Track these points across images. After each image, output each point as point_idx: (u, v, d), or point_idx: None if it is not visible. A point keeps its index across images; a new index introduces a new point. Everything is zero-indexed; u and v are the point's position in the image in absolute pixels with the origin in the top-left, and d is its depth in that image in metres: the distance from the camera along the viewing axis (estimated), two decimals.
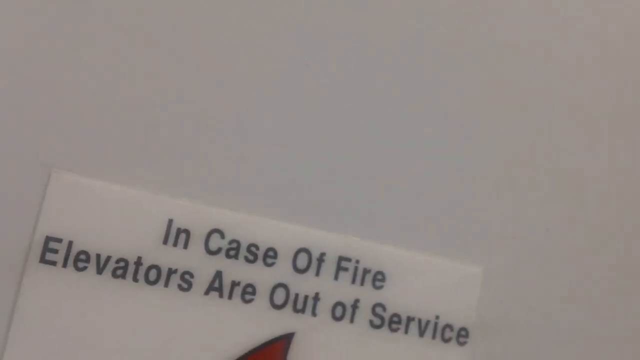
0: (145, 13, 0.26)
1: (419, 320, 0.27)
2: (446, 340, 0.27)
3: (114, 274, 0.25)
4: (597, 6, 0.30)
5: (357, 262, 0.26)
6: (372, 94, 0.27)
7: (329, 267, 0.26)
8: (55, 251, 0.25)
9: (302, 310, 0.26)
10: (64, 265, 0.25)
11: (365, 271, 0.26)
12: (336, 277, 0.26)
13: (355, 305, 0.26)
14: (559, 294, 0.27)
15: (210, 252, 0.25)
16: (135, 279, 0.25)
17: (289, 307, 0.26)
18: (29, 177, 0.25)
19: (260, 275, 0.26)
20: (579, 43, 0.29)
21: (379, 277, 0.26)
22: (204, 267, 0.25)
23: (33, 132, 0.25)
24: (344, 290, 0.26)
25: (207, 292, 0.25)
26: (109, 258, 0.25)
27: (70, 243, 0.25)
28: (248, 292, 0.25)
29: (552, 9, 0.29)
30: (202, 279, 0.25)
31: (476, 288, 0.27)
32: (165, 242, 0.25)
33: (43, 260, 0.24)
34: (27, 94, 0.25)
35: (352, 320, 0.26)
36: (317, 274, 0.26)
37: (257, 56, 0.27)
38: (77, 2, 0.26)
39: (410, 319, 0.27)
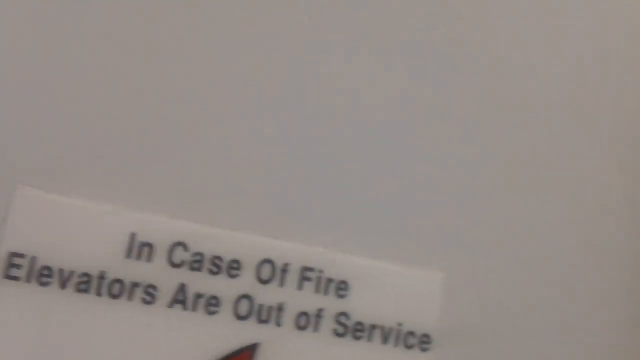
0: (118, 25, 0.26)
1: (382, 328, 0.27)
2: (409, 347, 0.27)
3: (78, 289, 0.25)
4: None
5: (321, 272, 0.27)
6: (339, 101, 0.28)
7: (293, 277, 0.26)
8: (19, 267, 0.25)
9: (267, 321, 0.26)
10: (28, 280, 0.25)
11: (329, 281, 0.27)
12: (300, 287, 0.26)
13: (319, 315, 0.26)
14: (521, 299, 0.28)
15: (174, 265, 0.26)
16: (99, 294, 0.25)
17: (253, 318, 0.26)
18: None
19: (225, 287, 0.26)
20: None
21: (343, 286, 0.27)
22: (167, 280, 0.25)
23: None
24: (308, 300, 0.26)
25: (171, 305, 0.25)
26: (72, 273, 0.25)
27: (34, 258, 0.25)
28: (212, 304, 0.26)
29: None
30: (166, 292, 0.25)
31: (438, 294, 0.27)
32: (128, 256, 0.25)
33: (7, 276, 0.24)
34: None
35: (316, 330, 0.26)
36: (281, 284, 0.26)
37: (224, 63, 0.27)
38: (52, 17, 0.26)
39: (373, 327, 0.27)
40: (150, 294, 0.25)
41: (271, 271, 0.26)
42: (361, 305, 0.27)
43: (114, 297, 0.25)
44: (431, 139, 0.28)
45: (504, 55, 0.29)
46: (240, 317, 0.26)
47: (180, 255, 0.26)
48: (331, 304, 0.26)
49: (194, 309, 0.26)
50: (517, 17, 0.30)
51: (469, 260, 0.28)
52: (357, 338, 0.27)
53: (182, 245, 0.26)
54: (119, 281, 0.25)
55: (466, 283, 0.27)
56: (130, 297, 0.25)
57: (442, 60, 0.29)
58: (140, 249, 0.25)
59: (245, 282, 0.26)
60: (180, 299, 0.26)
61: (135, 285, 0.25)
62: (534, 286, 0.28)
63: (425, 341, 0.27)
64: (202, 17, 0.27)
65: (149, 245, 0.26)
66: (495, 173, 0.29)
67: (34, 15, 0.26)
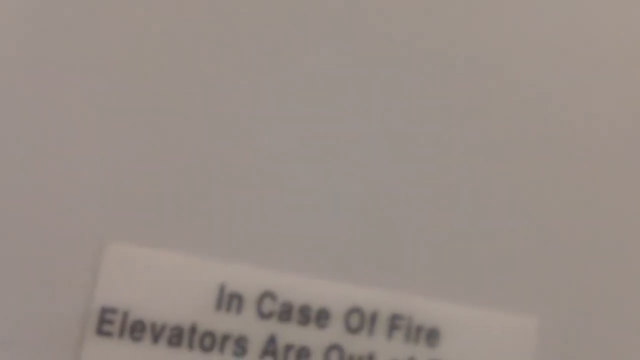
0: (185, 83, 0.26)
1: None
2: None
3: (170, 342, 0.25)
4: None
5: (411, 319, 0.26)
6: (415, 144, 0.27)
7: (382, 325, 0.26)
8: (111, 322, 0.25)
9: None
10: (120, 335, 0.25)
11: (419, 328, 0.26)
12: (390, 336, 0.26)
13: None
14: (620, 347, 0.27)
15: (263, 316, 0.26)
16: (190, 346, 0.25)
17: None
18: (83, 250, 0.25)
19: (314, 337, 0.26)
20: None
21: (433, 333, 0.26)
22: (257, 332, 0.25)
23: (85, 205, 0.25)
24: (398, 348, 0.26)
25: (262, 357, 0.25)
26: (164, 326, 0.25)
27: (126, 313, 0.25)
28: (302, 355, 0.26)
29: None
30: (256, 344, 0.25)
31: (532, 341, 0.27)
32: (218, 307, 0.25)
33: (99, 331, 0.25)
34: (77, 168, 0.25)
35: None
36: (371, 333, 0.26)
37: (290, 115, 0.27)
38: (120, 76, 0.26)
39: None
40: (241, 345, 0.25)
41: (360, 319, 0.26)
42: (453, 353, 0.26)
43: (206, 350, 0.25)
44: (522, 179, 0.28)
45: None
46: None
47: (268, 305, 0.26)
48: (422, 353, 0.26)
49: (285, 359, 0.25)
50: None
51: (564, 305, 0.27)
52: None
53: (270, 295, 0.26)
54: (209, 333, 0.25)
55: (561, 329, 0.27)
56: (222, 350, 0.25)
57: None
58: (229, 300, 0.25)
59: (334, 332, 0.26)
60: (270, 349, 0.25)
61: (226, 337, 0.25)
62: (636, 331, 0.27)
63: None
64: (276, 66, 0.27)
65: (238, 296, 0.26)
66: (589, 214, 0.28)
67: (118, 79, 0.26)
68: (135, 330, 0.25)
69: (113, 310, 0.25)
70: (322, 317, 0.26)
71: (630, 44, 0.29)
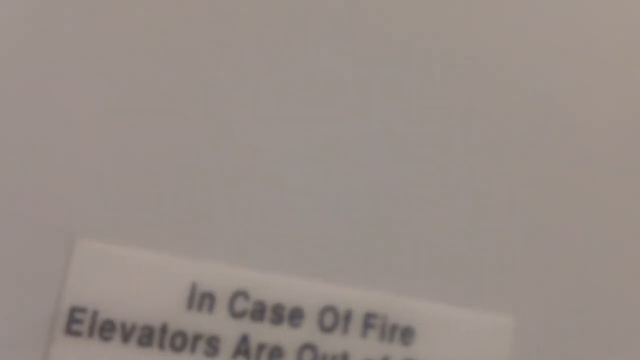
0: (160, 74, 0.26)
1: None
2: None
3: (140, 342, 0.25)
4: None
5: (385, 317, 0.26)
6: (392, 143, 0.27)
7: (356, 324, 0.26)
8: (81, 321, 0.24)
9: None
10: (90, 335, 0.24)
11: (394, 327, 0.26)
12: (364, 335, 0.26)
13: None
14: (595, 344, 0.27)
15: (236, 315, 0.25)
16: (161, 346, 0.25)
17: None
18: (52, 246, 0.25)
19: (287, 337, 0.25)
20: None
21: (408, 332, 0.26)
22: (229, 331, 0.25)
23: (55, 201, 0.25)
24: (372, 347, 0.26)
25: (234, 356, 0.25)
26: (134, 326, 0.25)
27: (95, 312, 0.24)
28: (275, 355, 0.25)
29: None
30: (228, 343, 0.25)
31: (507, 340, 0.26)
32: (189, 306, 0.25)
33: (68, 331, 0.24)
34: (47, 164, 0.25)
35: None
36: (345, 332, 0.26)
37: (275, 110, 0.27)
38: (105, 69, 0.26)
39: None
40: (212, 345, 0.25)
41: (334, 318, 0.26)
42: (428, 352, 0.26)
43: (177, 349, 0.25)
44: (500, 179, 0.27)
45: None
46: None
47: (241, 304, 0.25)
48: (396, 351, 0.26)
49: (258, 359, 0.25)
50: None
51: (539, 304, 0.27)
52: None
53: (242, 294, 0.25)
54: (181, 333, 0.25)
55: (537, 328, 0.26)
56: (193, 349, 0.25)
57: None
58: (201, 299, 0.25)
59: (308, 331, 0.25)
60: (242, 349, 0.25)
61: (198, 336, 0.25)
62: (612, 332, 0.27)
63: None
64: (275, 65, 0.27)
65: (210, 295, 0.25)
66: (566, 212, 0.28)
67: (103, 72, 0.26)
68: (105, 329, 0.24)
69: (82, 310, 0.24)
70: (295, 316, 0.25)
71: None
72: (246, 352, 0.25)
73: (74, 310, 0.24)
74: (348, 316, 0.26)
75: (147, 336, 0.25)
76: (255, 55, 0.27)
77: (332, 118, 0.27)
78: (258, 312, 0.25)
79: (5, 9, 0.25)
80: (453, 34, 0.28)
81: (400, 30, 0.28)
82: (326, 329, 0.26)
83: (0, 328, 0.24)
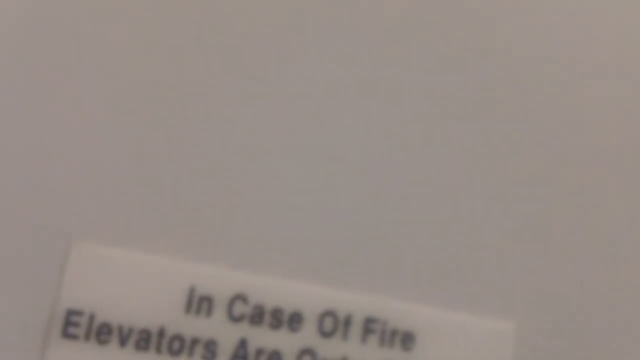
0: (160, 75, 0.26)
1: None
2: None
3: (137, 346, 0.24)
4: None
5: (385, 322, 0.26)
6: (395, 147, 0.27)
7: (356, 329, 0.25)
8: (77, 324, 0.24)
9: None
10: (86, 338, 0.24)
11: (394, 332, 0.26)
12: (364, 340, 0.25)
13: None
14: (598, 350, 0.26)
15: (234, 319, 0.25)
16: (158, 350, 0.24)
17: None
18: (49, 249, 0.24)
19: (286, 341, 0.25)
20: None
21: (408, 337, 0.26)
22: (228, 335, 0.25)
23: (52, 203, 0.25)
24: (372, 353, 0.25)
25: None
26: (131, 329, 0.24)
27: (92, 316, 0.24)
28: (274, 359, 0.25)
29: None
30: (226, 348, 0.25)
31: (509, 346, 0.26)
32: (187, 310, 0.25)
33: (65, 334, 0.24)
34: (44, 165, 0.25)
35: None
36: (344, 337, 0.25)
37: (273, 115, 0.26)
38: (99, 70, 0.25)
39: None
40: (210, 349, 0.25)
41: (333, 323, 0.25)
42: (428, 357, 0.26)
43: (174, 353, 0.24)
44: (502, 183, 0.27)
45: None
46: None
47: (240, 308, 0.25)
48: (397, 357, 0.25)
49: None
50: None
51: (541, 309, 0.26)
52: None
53: (241, 297, 0.25)
54: (178, 337, 0.25)
55: (539, 333, 0.26)
56: (191, 353, 0.25)
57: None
58: (199, 303, 0.25)
59: (307, 335, 0.25)
60: (241, 354, 0.25)
61: (195, 340, 0.25)
62: (616, 337, 0.27)
63: None
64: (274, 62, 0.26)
65: (208, 299, 0.25)
66: (571, 218, 0.27)
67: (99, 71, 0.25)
68: (102, 333, 0.24)
69: (79, 313, 0.24)
70: (294, 320, 0.25)
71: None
72: (244, 357, 0.25)
73: (70, 313, 0.24)
74: (348, 321, 0.25)
75: (145, 340, 0.24)
76: (257, 55, 0.27)
77: (334, 121, 0.27)
78: (257, 316, 0.25)
79: (5, 10, 0.25)
80: (453, 34, 0.28)
81: (400, 31, 0.28)
82: (326, 334, 0.25)
83: None
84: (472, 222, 0.27)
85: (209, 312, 0.25)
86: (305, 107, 0.27)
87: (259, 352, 0.25)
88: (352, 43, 0.27)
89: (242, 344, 0.25)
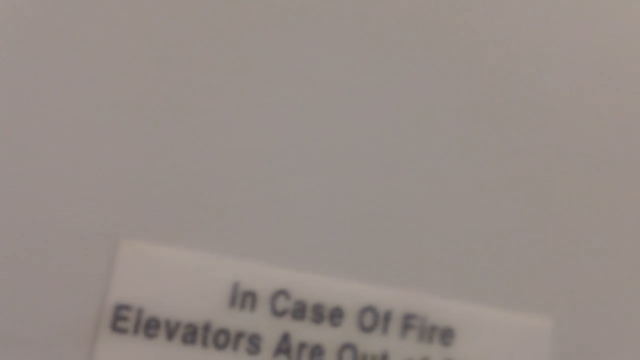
0: (196, 78, 0.26)
1: None
2: None
3: (184, 340, 0.25)
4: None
5: (425, 318, 0.26)
6: (429, 147, 0.27)
7: (395, 324, 0.26)
8: (126, 319, 0.25)
9: None
10: (135, 332, 0.25)
11: (433, 328, 0.26)
12: (403, 335, 0.26)
13: None
14: (635, 347, 0.27)
15: (277, 314, 0.26)
16: (204, 344, 0.25)
17: None
18: (98, 247, 0.25)
19: (327, 336, 0.26)
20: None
21: (447, 333, 0.26)
22: (271, 330, 0.25)
23: (100, 203, 0.25)
24: (412, 348, 0.26)
25: (275, 355, 0.25)
26: (178, 324, 0.25)
27: (140, 310, 0.25)
28: (316, 353, 0.26)
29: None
30: (269, 342, 0.25)
31: (546, 342, 0.26)
32: (232, 305, 0.25)
33: (114, 328, 0.25)
34: (92, 166, 0.25)
35: None
36: (384, 332, 0.26)
37: (306, 113, 0.27)
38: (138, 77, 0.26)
39: None
40: (254, 343, 0.25)
41: (373, 318, 0.26)
42: (467, 353, 0.26)
43: (220, 347, 0.25)
44: (540, 180, 0.27)
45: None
46: None
47: (282, 303, 0.26)
48: (436, 352, 0.26)
49: (299, 358, 0.25)
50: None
51: (578, 305, 0.27)
52: None
53: (283, 293, 0.26)
54: (223, 331, 0.25)
55: (575, 329, 0.27)
56: (235, 347, 0.25)
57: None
58: (243, 298, 0.26)
59: (348, 330, 0.26)
60: (284, 348, 0.25)
61: (240, 334, 0.25)
62: None
63: None
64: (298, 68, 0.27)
65: (252, 294, 0.26)
66: (606, 214, 0.27)
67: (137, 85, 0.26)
68: (150, 327, 0.25)
69: (127, 307, 0.25)
70: (335, 315, 0.26)
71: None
72: (287, 351, 0.25)
73: (119, 308, 0.25)
74: (388, 316, 0.26)
75: (191, 334, 0.25)
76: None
77: (366, 116, 0.27)
78: (299, 311, 0.26)
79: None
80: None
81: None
82: (366, 329, 0.26)
83: (47, 326, 0.25)
84: (512, 219, 0.27)
85: (253, 307, 0.26)
86: (325, 108, 0.27)
87: (302, 346, 0.26)
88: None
89: (285, 338, 0.26)
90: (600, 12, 0.29)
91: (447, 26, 0.28)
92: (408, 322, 0.26)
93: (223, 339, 0.25)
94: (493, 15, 0.28)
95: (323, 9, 0.27)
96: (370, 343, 0.26)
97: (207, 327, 0.25)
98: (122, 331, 0.25)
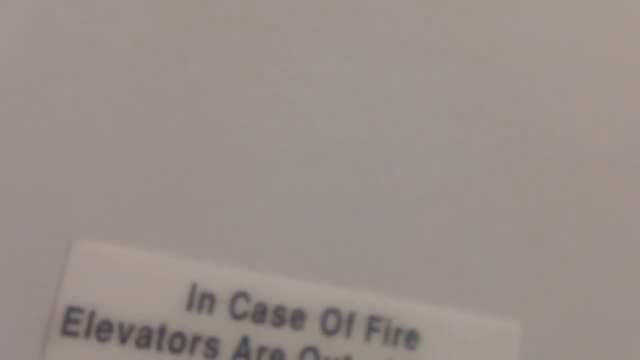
0: (159, 74, 0.26)
1: None
2: None
3: (138, 344, 0.24)
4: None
5: (389, 321, 0.25)
6: (398, 145, 0.27)
7: (359, 327, 0.25)
8: (77, 322, 0.24)
9: None
10: (86, 336, 0.24)
11: (398, 330, 0.25)
12: (367, 338, 0.25)
13: None
14: (603, 351, 0.26)
15: (236, 317, 0.25)
16: (159, 348, 0.24)
17: None
18: (49, 246, 0.24)
19: (289, 339, 0.25)
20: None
21: (412, 336, 0.25)
22: (229, 333, 0.25)
23: (52, 201, 0.24)
24: (376, 351, 0.25)
25: (234, 358, 0.24)
26: (132, 327, 0.24)
27: (92, 313, 0.24)
28: (276, 357, 0.25)
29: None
30: (228, 346, 0.24)
31: (514, 346, 0.26)
32: (189, 307, 0.24)
33: (64, 331, 0.24)
34: (45, 165, 0.25)
35: None
36: (347, 335, 0.25)
37: (275, 114, 0.26)
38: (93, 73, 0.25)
39: None
40: (212, 347, 0.24)
41: (337, 321, 0.25)
42: (432, 357, 0.25)
43: (175, 351, 0.24)
44: (506, 182, 0.27)
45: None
46: None
47: (242, 306, 0.25)
48: (400, 356, 0.25)
49: None
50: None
51: (547, 309, 0.26)
52: None
53: (243, 295, 0.25)
54: (179, 334, 0.24)
55: (544, 333, 0.26)
56: (192, 351, 0.24)
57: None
58: (201, 300, 0.25)
59: (310, 333, 0.25)
60: (242, 351, 0.25)
61: (197, 338, 0.24)
62: (622, 338, 0.26)
63: None
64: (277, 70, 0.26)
65: (210, 296, 0.25)
66: (574, 217, 0.27)
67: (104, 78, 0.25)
68: (102, 330, 0.24)
69: (79, 310, 0.24)
70: (297, 318, 0.25)
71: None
72: (246, 355, 0.24)
73: (70, 310, 0.24)
74: (351, 319, 0.25)
75: (145, 337, 0.24)
76: (260, 56, 0.26)
77: (338, 119, 0.26)
78: (259, 314, 0.25)
79: (5, 11, 0.25)
80: (453, 35, 0.28)
81: (400, 32, 0.27)
82: (329, 332, 0.25)
83: None
84: (478, 221, 0.26)
85: (211, 309, 0.25)
86: (307, 105, 0.26)
87: (261, 350, 0.25)
88: (352, 44, 0.27)
89: (244, 342, 0.25)
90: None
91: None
92: (372, 324, 0.25)
93: (179, 342, 0.24)
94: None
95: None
96: (333, 346, 0.25)
97: (162, 331, 0.24)
98: (73, 334, 0.24)
